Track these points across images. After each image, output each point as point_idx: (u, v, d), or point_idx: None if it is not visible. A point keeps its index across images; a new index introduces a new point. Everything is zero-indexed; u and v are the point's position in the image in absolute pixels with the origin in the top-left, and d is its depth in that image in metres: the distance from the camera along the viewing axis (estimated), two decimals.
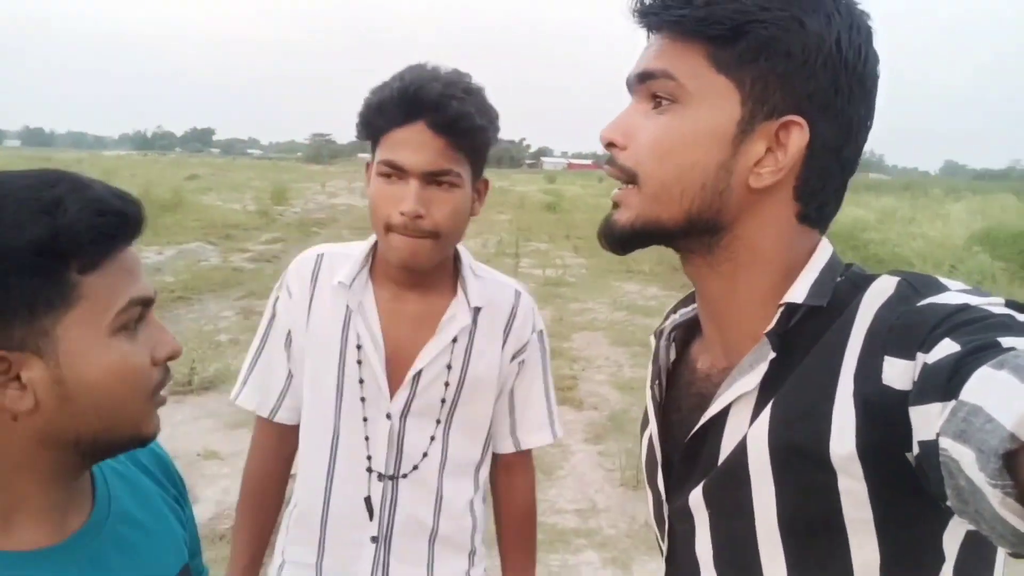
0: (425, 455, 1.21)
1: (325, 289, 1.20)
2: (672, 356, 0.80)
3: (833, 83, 0.63)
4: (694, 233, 0.68)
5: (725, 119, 0.65)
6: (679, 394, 0.77)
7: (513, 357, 1.25)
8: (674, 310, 0.83)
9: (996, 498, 0.41)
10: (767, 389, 0.64)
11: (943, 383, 0.48)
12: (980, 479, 0.42)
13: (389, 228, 1.10)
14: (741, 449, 0.64)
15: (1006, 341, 0.47)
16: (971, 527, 0.57)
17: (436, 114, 1.06)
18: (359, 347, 1.17)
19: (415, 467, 1.20)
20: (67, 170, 0.68)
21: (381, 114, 1.10)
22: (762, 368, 0.64)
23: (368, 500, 1.19)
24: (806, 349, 0.63)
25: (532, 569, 1.35)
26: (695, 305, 0.79)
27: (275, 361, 1.26)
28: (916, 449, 0.51)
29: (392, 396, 1.18)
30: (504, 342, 1.24)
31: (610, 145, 0.70)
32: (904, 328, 0.56)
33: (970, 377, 0.45)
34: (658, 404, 0.77)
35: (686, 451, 0.71)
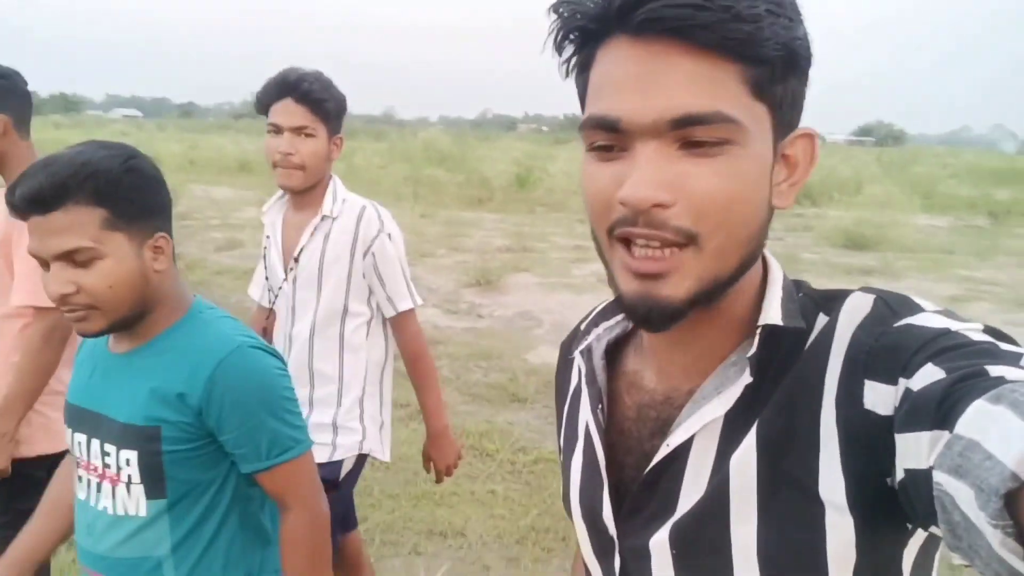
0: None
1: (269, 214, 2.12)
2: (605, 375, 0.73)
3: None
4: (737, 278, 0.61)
5: (768, 149, 0.59)
6: (621, 416, 0.71)
7: (365, 252, 1.93)
8: (594, 323, 0.75)
9: (996, 538, 0.40)
10: (739, 415, 0.61)
11: (932, 411, 0.47)
12: (980, 518, 0.41)
13: (275, 165, 1.91)
14: (722, 480, 0.60)
15: (992, 370, 0.46)
16: (923, 544, 0.58)
17: (296, 92, 1.88)
18: (268, 236, 2.08)
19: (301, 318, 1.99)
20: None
21: (264, 93, 1.93)
22: (732, 393, 0.61)
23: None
24: (778, 373, 0.60)
25: (436, 390, 2.09)
26: (619, 318, 0.74)
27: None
28: (900, 475, 0.50)
29: (285, 269, 2.01)
30: (355, 239, 1.93)
31: (656, 207, 0.55)
32: (884, 351, 0.55)
33: (964, 409, 0.44)
34: (602, 429, 0.70)
35: (646, 479, 0.65)
